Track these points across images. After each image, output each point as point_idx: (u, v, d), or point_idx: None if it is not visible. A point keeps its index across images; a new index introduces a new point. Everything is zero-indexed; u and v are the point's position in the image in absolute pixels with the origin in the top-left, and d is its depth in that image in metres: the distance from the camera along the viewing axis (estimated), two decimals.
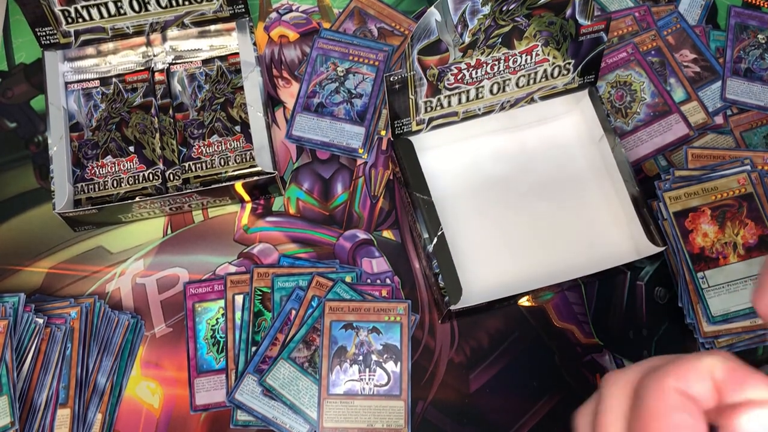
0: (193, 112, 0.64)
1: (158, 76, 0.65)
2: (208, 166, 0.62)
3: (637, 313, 0.59)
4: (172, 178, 0.62)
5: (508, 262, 0.59)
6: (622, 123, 0.65)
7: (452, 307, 0.53)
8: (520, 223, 0.60)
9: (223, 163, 0.62)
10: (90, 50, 0.65)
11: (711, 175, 0.58)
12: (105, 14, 0.61)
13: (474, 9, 0.50)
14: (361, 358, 0.56)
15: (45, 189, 0.64)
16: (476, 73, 0.55)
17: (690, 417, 0.28)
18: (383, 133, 0.65)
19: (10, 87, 0.68)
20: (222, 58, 0.66)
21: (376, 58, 0.67)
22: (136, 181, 0.61)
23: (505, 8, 0.51)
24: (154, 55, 0.66)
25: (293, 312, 0.57)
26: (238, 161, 0.62)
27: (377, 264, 0.61)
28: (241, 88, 0.64)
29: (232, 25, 0.65)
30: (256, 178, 0.60)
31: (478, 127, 0.61)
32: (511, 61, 0.55)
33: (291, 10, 0.70)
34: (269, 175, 0.60)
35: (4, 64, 0.69)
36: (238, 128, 0.63)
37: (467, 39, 0.52)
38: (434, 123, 0.58)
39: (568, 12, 0.53)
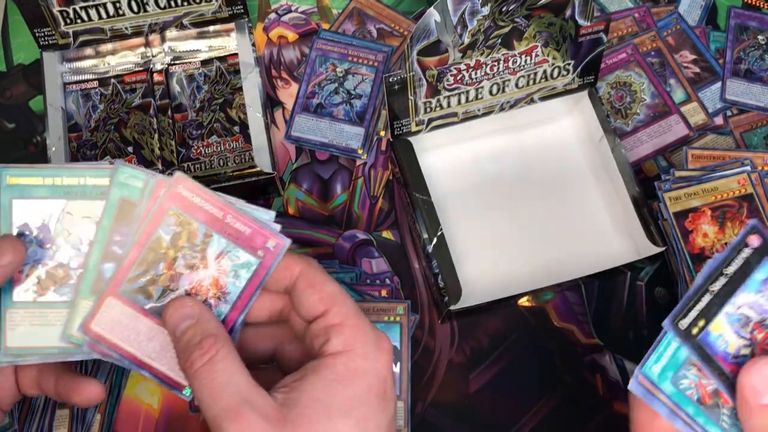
0: (192, 112, 0.64)
1: (157, 77, 0.65)
2: (207, 167, 0.62)
3: (637, 313, 0.59)
4: None
5: (507, 262, 0.59)
6: (622, 124, 0.65)
7: (452, 307, 0.53)
8: (520, 223, 0.60)
9: (222, 164, 0.62)
10: (88, 51, 0.64)
11: (711, 176, 0.58)
12: (104, 15, 0.61)
13: (473, 10, 0.50)
14: None
15: None
16: (476, 73, 0.55)
17: None
18: (382, 133, 0.65)
19: (9, 87, 0.68)
20: (221, 59, 0.66)
21: (375, 58, 0.67)
22: None
23: (504, 9, 0.51)
24: (153, 56, 0.65)
25: None
26: (237, 162, 0.62)
27: (377, 264, 0.61)
28: (240, 88, 0.64)
29: (231, 25, 0.65)
30: (255, 178, 0.59)
31: (478, 128, 0.60)
32: (510, 62, 0.55)
33: (290, 11, 0.70)
34: (268, 176, 0.60)
35: (2, 64, 0.69)
36: (237, 129, 0.63)
37: (467, 40, 0.52)
38: (434, 124, 0.58)
39: (568, 13, 0.53)
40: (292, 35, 0.69)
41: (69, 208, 0.40)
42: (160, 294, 0.39)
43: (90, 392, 0.41)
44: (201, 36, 0.66)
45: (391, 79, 0.52)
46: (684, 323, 0.37)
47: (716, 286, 0.37)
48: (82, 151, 0.62)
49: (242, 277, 0.39)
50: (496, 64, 0.55)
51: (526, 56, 0.55)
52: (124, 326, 0.39)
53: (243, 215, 0.39)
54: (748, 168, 0.58)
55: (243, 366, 0.36)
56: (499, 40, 0.53)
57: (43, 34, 0.62)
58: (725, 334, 0.37)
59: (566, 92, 0.60)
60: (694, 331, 0.37)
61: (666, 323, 0.37)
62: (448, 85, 0.55)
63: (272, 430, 0.34)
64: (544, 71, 0.57)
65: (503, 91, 0.57)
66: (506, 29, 0.52)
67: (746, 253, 0.37)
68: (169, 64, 0.65)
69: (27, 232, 0.40)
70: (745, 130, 0.65)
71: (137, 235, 0.38)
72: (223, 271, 0.39)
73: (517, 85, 0.57)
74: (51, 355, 0.40)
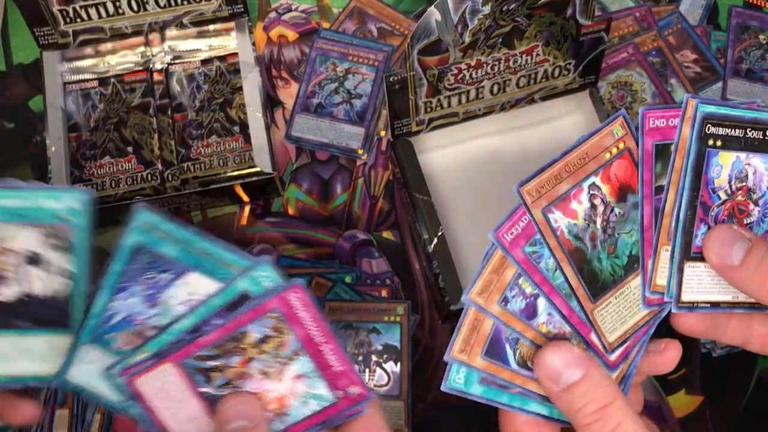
0: (192, 112, 0.64)
1: (157, 77, 0.65)
2: (207, 167, 0.62)
3: None
4: (170, 179, 0.61)
5: None
6: None
7: (452, 308, 0.53)
8: None
9: (221, 164, 0.62)
10: (88, 50, 0.64)
11: None
12: (103, 14, 0.61)
13: (474, 9, 0.50)
14: (360, 358, 0.55)
15: None
16: (476, 73, 0.55)
17: None
18: (383, 133, 0.65)
19: (9, 87, 0.68)
20: (221, 59, 0.66)
21: (375, 58, 0.67)
22: (135, 182, 0.61)
23: (505, 8, 0.51)
24: (153, 56, 0.65)
25: None
26: (237, 162, 0.62)
27: (377, 264, 0.61)
28: (240, 88, 0.64)
29: (231, 24, 0.65)
30: (255, 178, 0.59)
31: (479, 128, 0.60)
32: (511, 62, 0.55)
33: (290, 10, 0.70)
34: (268, 176, 0.59)
35: (2, 64, 0.68)
36: (237, 129, 0.63)
37: (467, 39, 0.51)
38: (434, 123, 0.58)
39: (569, 12, 0.53)
40: (292, 34, 0.69)
41: (190, 278, 0.37)
42: (221, 384, 0.37)
43: (24, 414, 0.40)
44: (201, 35, 0.65)
45: (391, 79, 0.52)
46: (711, 130, 0.35)
47: (753, 135, 0.36)
48: (81, 150, 0.62)
49: (310, 406, 0.37)
50: (496, 63, 0.55)
51: (526, 55, 0.55)
52: (169, 397, 0.37)
53: (342, 352, 0.37)
54: None
55: None
56: (500, 40, 0.53)
57: (42, 33, 0.61)
58: (724, 168, 0.36)
59: (567, 92, 0.59)
60: (711, 141, 0.35)
61: (693, 99, 0.35)
62: (448, 84, 0.55)
63: None
64: (545, 71, 0.57)
65: (504, 90, 0.57)
66: (507, 28, 0.52)
67: None
68: (169, 64, 0.65)
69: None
70: None
71: (228, 320, 0.36)
72: (293, 393, 0.37)
73: (517, 85, 0.57)
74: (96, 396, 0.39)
